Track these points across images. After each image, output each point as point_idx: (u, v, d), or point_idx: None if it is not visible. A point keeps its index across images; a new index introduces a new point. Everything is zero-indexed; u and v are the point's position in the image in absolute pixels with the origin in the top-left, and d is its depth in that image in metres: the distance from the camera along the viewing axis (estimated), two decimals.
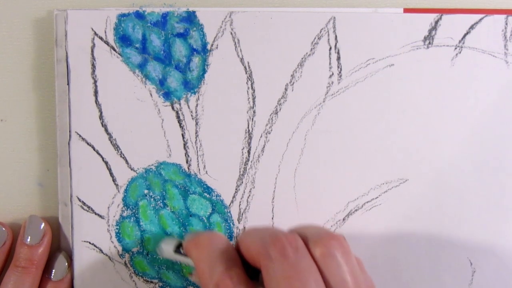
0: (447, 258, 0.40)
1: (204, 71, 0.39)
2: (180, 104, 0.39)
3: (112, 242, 0.40)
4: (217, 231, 0.40)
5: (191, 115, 0.40)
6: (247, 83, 0.39)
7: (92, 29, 0.39)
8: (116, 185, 0.40)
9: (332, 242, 0.30)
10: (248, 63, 0.39)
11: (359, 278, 0.30)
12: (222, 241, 0.33)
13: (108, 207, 0.40)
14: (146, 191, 0.40)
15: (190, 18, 0.39)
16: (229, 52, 0.39)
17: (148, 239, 0.40)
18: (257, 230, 0.32)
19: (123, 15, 0.39)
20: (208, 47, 0.39)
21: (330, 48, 0.39)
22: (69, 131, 0.39)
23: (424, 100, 0.40)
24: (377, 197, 0.40)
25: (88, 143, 0.39)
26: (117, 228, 0.40)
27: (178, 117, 0.39)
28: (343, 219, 0.40)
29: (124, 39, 0.39)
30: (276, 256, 0.29)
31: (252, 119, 0.40)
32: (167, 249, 0.38)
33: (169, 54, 0.39)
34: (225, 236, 0.34)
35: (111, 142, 0.39)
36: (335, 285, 0.29)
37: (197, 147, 0.40)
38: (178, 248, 0.37)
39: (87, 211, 0.40)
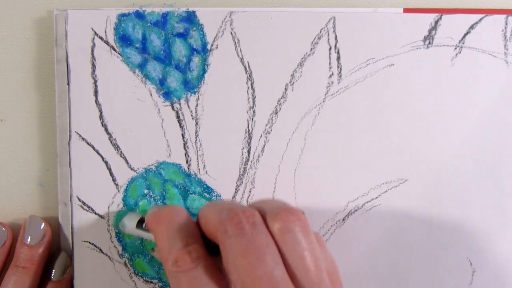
0: (447, 258, 0.40)
1: (204, 71, 0.39)
2: (180, 104, 0.39)
3: (112, 242, 0.40)
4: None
5: (191, 115, 0.40)
6: (247, 83, 0.39)
7: (92, 29, 0.39)
8: (116, 185, 0.40)
9: (290, 217, 0.29)
10: (248, 63, 0.39)
11: (318, 254, 0.29)
12: (182, 215, 0.32)
13: (108, 207, 0.40)
14: (146, 191, 0.40)
15: (190, 18, 0.39)
16: (229, 52, 0.39)
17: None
18: (216, 204, 0.32)
19: (123, 15, 0.39)
20: (208, 47, 0.39)
21: (330, 48, 0.39)
22: (69, 131, 0.39)
23: (424, 100, 0.40)
24: (377, 197, 0.40)
25: (88, 143, 0.39)
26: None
27: (178, 117, 0.40)
28: (343, 219, 0.40)
29: (124, 39, 0.39)
30: (233, 232, 0.29)
31: (252, 119, 0.40)
32: (129, 224, 0.37)
33: (169, 54, 0.39)
34: (186, 211, 0.33)
35: (111, 142, 0.39)
36: (292, 261, 0.28)
37: (197, 147, 0.40)
38: (140, 224, 0.37)
39: (87, 211, 0.40)
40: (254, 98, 0.39)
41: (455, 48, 0.39)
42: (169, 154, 0.40)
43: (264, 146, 0.40)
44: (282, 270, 0.28)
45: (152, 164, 0.40)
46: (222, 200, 0.33)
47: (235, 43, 0.39)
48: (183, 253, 0.30)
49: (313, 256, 0.29)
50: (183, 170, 0.40)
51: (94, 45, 0.39)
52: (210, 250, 0.31)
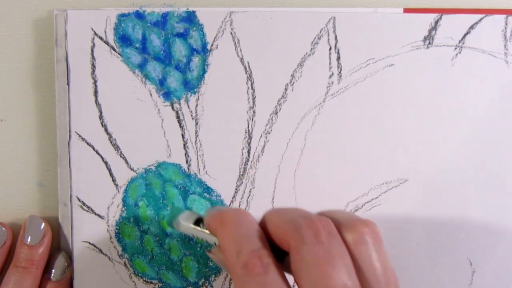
0: (447, 258, 0.40)
1: (204, 71, 0.39)
2: (180, 104, 0.39)
3: (111, 242, 0.40)
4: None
5: (191, 115, 0.40)
6: (247, 83, 0.39)
7: (92, 29, 0.39)
8: (116, 185, 0.40)
9: (365, 228, 0.29)
10: (248, 63, 0.39)
11: (389, 267, 0.29)
12: (249, 219, 0.32)
13: (108, 207, 0.40)
14: (145, 191, 0.40)
15: (190, 18, 0.39)
16: (229, 52, 0.39)
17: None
18: (287, 210, 0.31)
19: (123, 15, 0.39)
20: (208, 47, 0.39)
21: (330, 48, 0.39)
22: (69, 131, 0.39)
23: (424, 100, 0.40)
24: (377, 197, 0.40)
25: (88, 143, 0.39)
26: (116, 228, 0.40)
27: (178, 117, 0.40)
28: None
29: (124, 39, 0.39)
30: (309, 239, 0.28)
31: (252, 119, 0.40)
32: (185, 224, 0.36)
33: (169, 54, 0.39)
34: (251, 215, 0.32)
35: (111, 142, 0.39)
36: (366, 272, 0.28)
37: (197, 147, 0.40)
38: (197, 223, 0.36)
39: (87, 211, 0.40)
40: (254, 98, 0.39)
41: (455, 48, 0.39)
42: (169, 154, 0.40)
43: (264, 146, 0.40)
44: (356, 281, 0.28)
45: (152, 164, 0.40)
46: (291, 207, 0.33)
47: (235, 43, 0.39)
48: (253, 256, 0.29)
49: (384, 268, 0.29)
50: (183, 171, 0.40)
51: (94, 45, 0.39)
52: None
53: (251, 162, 0.40)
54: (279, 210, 0.32)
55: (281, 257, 0.30)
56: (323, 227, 0.29)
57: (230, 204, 0.40)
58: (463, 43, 0.39)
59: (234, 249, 0.30)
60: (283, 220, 0.30)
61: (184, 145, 0.40)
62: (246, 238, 0.30)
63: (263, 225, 0.32)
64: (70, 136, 0.39)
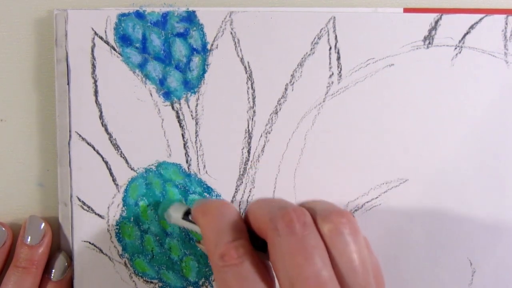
0: (447, 258, 0.40)
1: (204, 71, 0.39)
2: (180, 104, 0.39)
3: (112, 242, 0.40)
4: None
5: (191, 115, 0.40)
6: (247, 83, 0.39)
7: (92, 29, 0.39)
8: (116, 185, 0.40)
9: (341, 219, 0.29)
10: (248, 63, 0.39)
11: (366, 257, 0.29)
12: (230, 210, 0.32)
13: (108, 207, 0.40)
14: (146, 191, 0.40)
15: (190, 18, 0.39)
16: (229, 52, 0.39)
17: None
18: (267, 201, 0.32)
19: (123, 14, 0.39)
20: (208, 47, 0.39)
21: (330, 48, 0.39)
22: (69, 131, 0.39)
23: (424, 100, 0.40)
24: (377, 197, 0.40)
25: (88, 143, 0.39)
26: (117, 228, 0.40)
27: (178, 117, 0.40)
28: None
29: (124, 39, 0.39)
30: (283, 230, 0.29)
31: (252, 119, 0.40)
32: (175, 215, 0.37)
33: (169, 54, 0.39)
34: (233, 206, 0.33)
35: (111, 142, 0.39)
36: (341, 263, 0.29)
37: (197, 147, 0.40)
38: (186, 215, 0.36)
39: (87, 211, 0.40)
40: (254, 98, 0.39)
41: (455, 48, 0.39)
42: (169, 154, 0.40)
43: (264, 146, 0.40)
44: (330, 271, 0.28)
45: (152, 164, 0.40)
46: (272, 198, 0.33)
47: (235, 43, 0.39)
48: (229, 247, 0.30)
49: (361, 258, 0.29)
50: (183, 170, 0.40)
51: (94, 45, 0.39)
52: (258, 246, 0.31)
53: (251, 162, 0.40)
54: (260, 202, 0.32)
55: (265, 247, 0.30)
56: (297, 218, 0.29)
57: None
58: (463, 43, 0.39)
59: (213, 239, 0.31)
60: (262, 212, 0.31)
61: (184, 145, 0.40)
62: (224, 228, 0.31)
63: (247, 216, 0.32)
64: (70, 136, 0.39)
